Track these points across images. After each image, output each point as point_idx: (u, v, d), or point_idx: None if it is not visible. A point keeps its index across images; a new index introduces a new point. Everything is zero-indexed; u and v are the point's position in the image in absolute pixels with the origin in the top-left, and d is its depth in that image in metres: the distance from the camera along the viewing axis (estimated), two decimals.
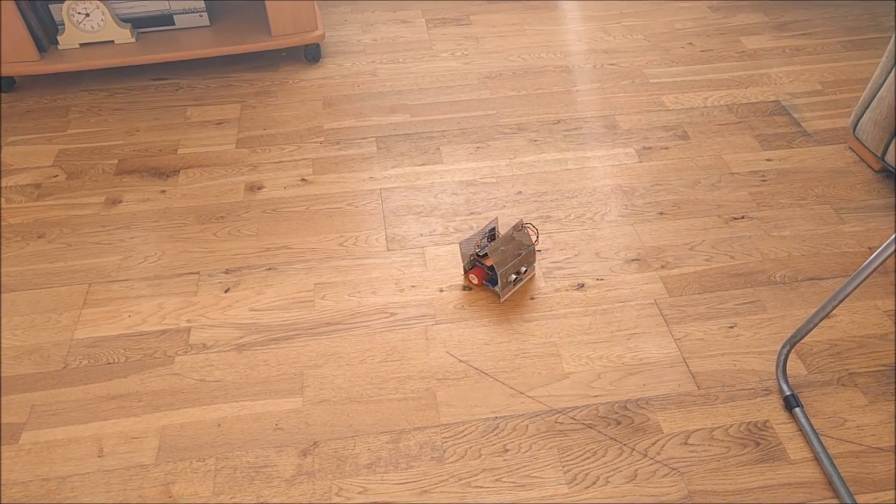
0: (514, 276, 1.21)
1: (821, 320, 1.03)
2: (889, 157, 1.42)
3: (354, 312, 1.22)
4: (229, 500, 0.96)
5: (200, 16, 1.83)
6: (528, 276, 1.26)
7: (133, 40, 1.79)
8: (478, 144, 1.60)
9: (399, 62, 1.89)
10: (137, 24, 1.81)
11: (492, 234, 1.24)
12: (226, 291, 1.25)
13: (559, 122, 1.66)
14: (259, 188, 1.48)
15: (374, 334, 1.18)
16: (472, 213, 1.41)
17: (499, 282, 1.19)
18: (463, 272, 1.27)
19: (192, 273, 1.29)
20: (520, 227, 1.20)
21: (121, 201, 1.45)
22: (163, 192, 1.47)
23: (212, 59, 1.90)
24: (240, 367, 1.13)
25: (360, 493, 0.97)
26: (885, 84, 1.41)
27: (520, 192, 1.46)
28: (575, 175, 1.50)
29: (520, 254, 1.20)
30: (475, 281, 1.24)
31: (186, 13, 1.82)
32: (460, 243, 1.21)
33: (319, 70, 1.86)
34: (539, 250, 1.31)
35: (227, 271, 1.29)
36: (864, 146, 1.49)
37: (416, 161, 1.55)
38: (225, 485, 0.97)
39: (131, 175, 1.52)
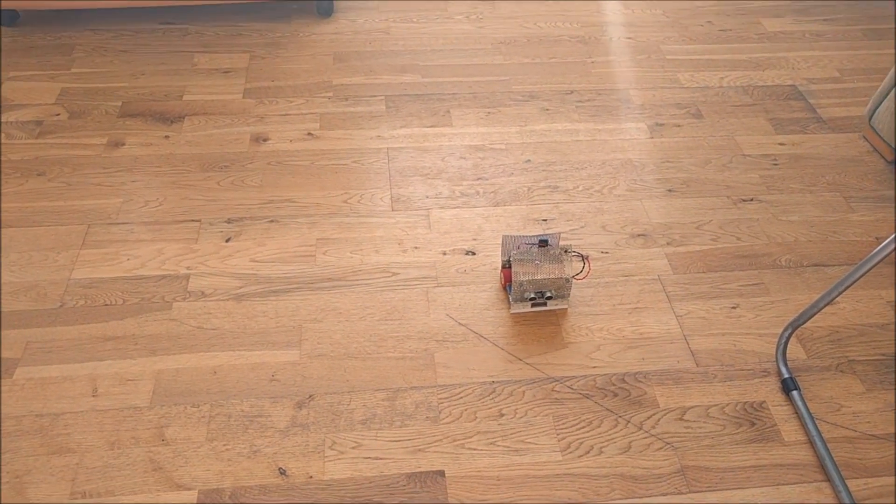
0: (532, 296, 1.13)
1: (825, 306, 1.03)
2: None
3: (356, 270, 1.20)
4: (222, 446, 0.95)
5: None
6: (557, 306, 1.15)
7: None
8: (489, 110, 1.57)
9: (412, 21, 1.85)
10: None
11: (543, 243, 1.13)
12: (227, 241, 1.24)
13: (572, 92, 1.64)
14: (265, 140, 1.46)
15: (374, 292, 1.17)
16: (479, 179, 1.39)
17: (512, 292, 1.14)
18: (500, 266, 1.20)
19: (193, 220, 1.27)
20: (567, 251, 1.10)
21: (123, 144, 1.42)
22: (166, 137, 1.45)
23: (222, 7, 1.86)
24: (238, 317, 1.12)
25: (353, 447, 0.96)
26: None
27: (529, 161, 1.44)
28: (585, 147, 1.48)
29: (549, 278, 1.10)
30: (502, 281, 1.17)
31: None
32: (504, 236, 1.12)
33: (331, 25, 1.82)
34: (578, 279, 1.19)
35: (228, 221, 1.28)
36: (879, 136, 1.47)
37: (426, 122, 1.53)
38: (218, 431, 0.97)
39: (135, 118, 1.49)
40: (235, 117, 1.51)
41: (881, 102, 1.46)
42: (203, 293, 1.15)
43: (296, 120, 1.51)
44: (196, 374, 1.03)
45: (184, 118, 1.50)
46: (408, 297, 1.16)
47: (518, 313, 1.15)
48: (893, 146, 1.43)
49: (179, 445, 0.95)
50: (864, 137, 1.55)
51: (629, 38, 1.84)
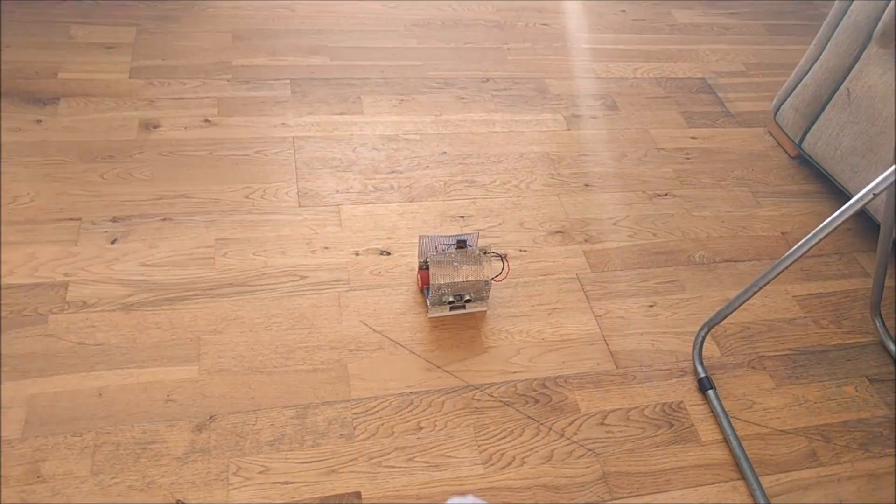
0: (451, 299, 1.07)
1: (739, 305, 1.03)
2: (806, 145, 1.45)
3: (260, 273, 1.11)
4: (110, 480, 0.85)
5: None
6: (476, 309, 1.10)
7: None
8: (402, 97, 1.50)
9: None
10: None
11: (462, 244, 1.08)
12: (112, 242, 1.11)
13: (488, 80, 1.59)
14: (155, 126, 1.32)
15: (281, 298, 1.08)
16: (392, 172, 1.32)
17: (430, 295, 1.08)
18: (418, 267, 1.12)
19: (72, 219, 1.13)
20: (486, 252, 1.06)
21: None
22: (38, 121, 1.28)
23: None
24: (126, 330, 1.00)
25: (260, 472, 0.88)
26: (810, 72, 1.42)
27: (444, 153, 1.38)
28: (502, 138, 1.44)
29: (468, 280, 1.06)
30: (419, 283, 1.11)
31: None
32: (421, 237, 1.06)
33: None
34: (497, 281, 1.14)
35: (114, 219, 1.15)
36: (783, 131, 1.51)
37: (335, 109, 1.43)
38: (105, 463, 0.86)
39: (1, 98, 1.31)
40: (121, 100, 1.36)
41: (786, 98, 1.50)
42: (85, 303, 1.02)
43: (191, 104, 1.38)
44: (77, 397, 0.92)
45: (59, 100, 1.34)
46: (318, 302, 1.09)
47: (436, 317, 1.09)
48: (796, 142, 1.47)
49: (58, 482, 0.84)
50: (769, 132, 1.59)
51: (545, 24, 1.80)
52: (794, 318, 1.19)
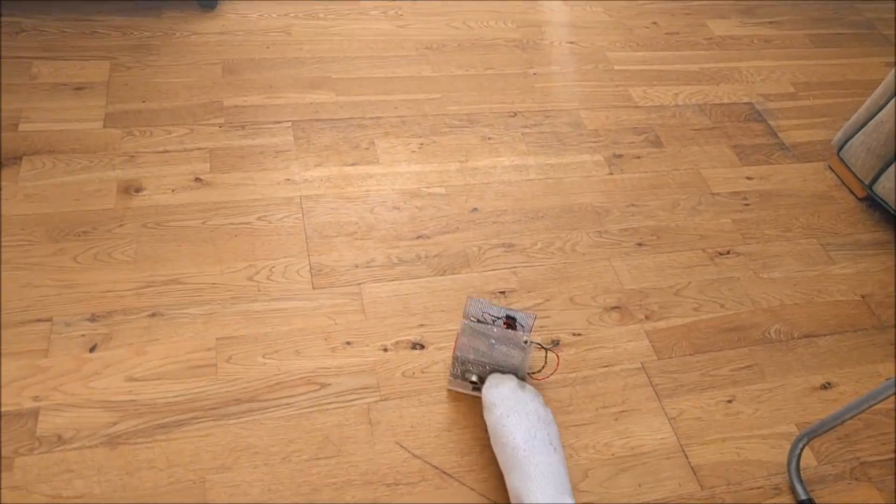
0: (475, 379, 0.92)
1: (840, 423, 0.87)
2: (878, 188, 1.28)
3: (273, 383, 0.92)
4: None
5: None
6: None
7: None
8: (421, 139, 1.30)
9: (319, 18, 1.53)
10: None
11: (510, 322, 0.93)
12: (91, 350, 0.92)
13: (516, 114, 1.39)
14: (137, 190, 1.12)
15: (300, 416, 0.90)
16: (419, 237, 1.14)
17: (452, 366, 0.93)
18: None
19: (41, 320, 0.94)
20: (526, 341, 0.90)
21: None
22: None
23: None
24: (113, 473, 0.81)
25: None
26: (886, 108, 1.25)
27: (475, 209, 1.20)
28: (539, 188, 1.26)
29: (499, 365, 0.91)
30: (454, 349, 0.94)
31: None
32: (470, 298, 0.92)
33: (216, 21, 1.47)
34: (536, 379, 0.94)
35: (92, 318, 0.95)
36: (850, 170, 1.34)
37: (346, 158, 1.24)
38: None
39: None
40: (95, 156, 1.16)
41: (854, 134, 1.33)
42: (60, 438, 0.83)
43: (177, 159, 1.18)
44: None
45: (21, 160, 1.13)
46: (344, 419, 0.90)
47: (457, 391, 0.93)
48: (866, 183, 1.31)
49: None
50: (830, 167, 1.42)
51: (571, 42, 1.61)
52: (890, 409, 1.03)
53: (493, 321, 0.93)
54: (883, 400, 0.82)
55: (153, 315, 0.97)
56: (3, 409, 0.85)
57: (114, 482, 0.81)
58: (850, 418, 0.87)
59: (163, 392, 0.89)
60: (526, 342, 0.90)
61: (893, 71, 1.24)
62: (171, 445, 0.85)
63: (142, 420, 0.86)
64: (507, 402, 0.85)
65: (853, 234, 1.29)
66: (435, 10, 1.61)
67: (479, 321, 0.92)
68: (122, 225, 1.07)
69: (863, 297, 1.18)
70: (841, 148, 1.36)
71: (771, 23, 1.80)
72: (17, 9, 1.39)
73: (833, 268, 1.22)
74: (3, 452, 0.81)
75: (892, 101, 1.24)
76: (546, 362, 0.99)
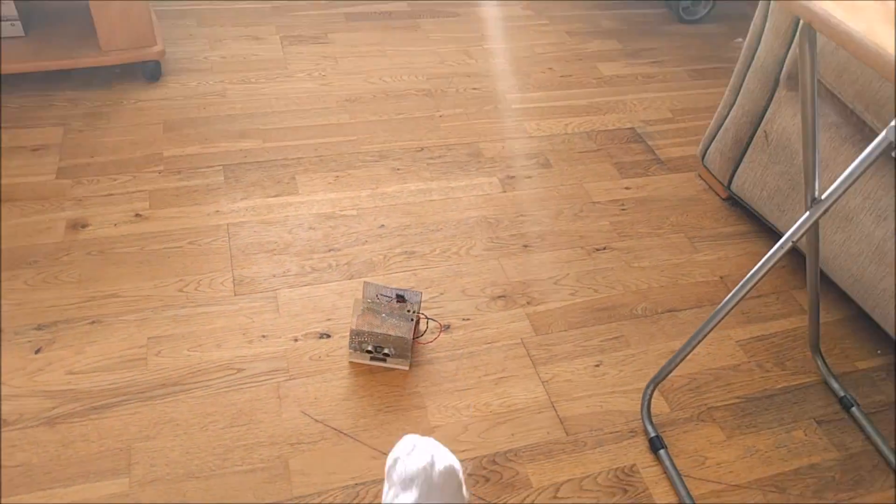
0: (371, 348, 1.08)
1: (681, 361, 1.03)
2: (734, 187, 1.48)
3: (195, 370, 1.08)
4: None
5: (13, 24, 1.60)
6: (396, 365, 1.10)
7: None
8: (337, 173, 1.50)
9: (251, 82, 1.75)
10: None
11: (401, 298, 1.11)
12: (36, 352, 1.07)
13: (422, 149, 1.60)
14: (83, 226, 1.29)
15: (217, 395, 1.05)
16: (331, 250, 1.31)
17: (350, 340, 1.09)
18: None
19: None
20: (411, 311, 1.08)
21: None
22: None
23: (28, 76, 1.66)
24: (51, 446, 0.95)
25: None
26: (729, 116, 1.47)
27: (382, 226, 1.38)
28: (439, 206, 1.44)
29: (389, 335, 1.07)
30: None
31: None
32: (365, 283, 1.09)
33: (160, 89, 1.68)
34: (419, 342, 1.11)
35: (39, 327, 1.11)
36: (712, 174, 1.55)
37: (269, 192, 1.43)
38: None
39: None
40: (47, 202, 1.34)
41: (710, 143, 1.54)
42: (5, 421, 0.97)
43: (120, 200, 1.36)
44: None
45: None
46: (256, 395, 1.05)
47: (358, 363, 1.10)
48: (725, 184, 1.51)
49: None
50: (700, 176, 1.62)
51: (475, 88, 1.84)
52: (739, 364, 1.19)
53: (388, 300, 1.10)
54: (704, 336, 0.99)
55: (93, 322, 1.12)
56: None
57: (50, 453, 0.95)
58: (685, 357, 1.03)
59: (98, 382, 1.04)
60: (409, 311, 1.07)
61: (730, 84, 1.46)
62: (103, 423, 0.99)
63: (78, 404, 1.01)
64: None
65: (716, 227, 1.48)
66: (354, 70, 1.85)
67: (373, 301, 1.09)
68: (68, 254, 1.24)
69: (721, 277, 1.36)
70: (703, 157, 1.57)
71: (654, 62, 2.05)
72: None
73: (697, 255, 1.40)
74: None
75: (731, 110, 1.46)
76: (425, 330, 1.15)
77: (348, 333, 1.14)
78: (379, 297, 1.10)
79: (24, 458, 0.94)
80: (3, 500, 0.89)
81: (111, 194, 1.37)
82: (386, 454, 0.99)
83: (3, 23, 1.58)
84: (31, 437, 0.96)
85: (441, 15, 2.15)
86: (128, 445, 0.97)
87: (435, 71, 1.88)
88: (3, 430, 0.96)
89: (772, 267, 0.92)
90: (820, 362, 1.18)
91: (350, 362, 1.11)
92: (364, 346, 1.08)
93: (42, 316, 1.12)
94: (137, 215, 1.33)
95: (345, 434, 1.02)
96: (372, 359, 1.09)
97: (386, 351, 1.08)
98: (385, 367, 1.11)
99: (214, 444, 0.98)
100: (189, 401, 1.03)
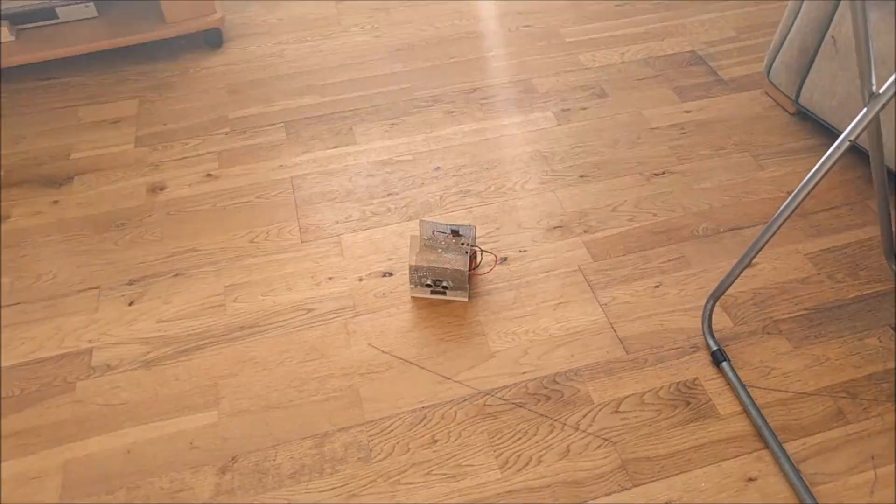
0: (429, 282, 1.12)
1: (741, 272, 1.02)
2: (802, 99, 1.41)
3: (269, 313, 1.15)
4: None
5: (86, 6, 1.70)
6: (455, 297, 1.14)
7: (13, 38, 1.65)
8: (392, 121, 1.53)
9: (307, 41, 1.80)
10: (16, 20, 1.67)
11: (455, 233, 1.14)
12: (130, 304, 1.17)
13: (475, 90, 1.61)
14: (161, 189, 1.39)
15: (291, 334, 1.12)
16: (389, 195, 1.35)
17: (410, 276, 1.14)
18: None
19: (91, 288, 1.20)
20: (467, 244, 1.12)
21: (8, 217, 1.34)
22: (55, 202, 1.37)
23: (103, 53, 1.77)
24: (148, 386, 1.05)
25: None
26: (794, 27, 1.39)
27: (438, 168, 1.41)
28: (493, 144, 1.46)
29: (446, 268, 1.10)
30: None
31: (70, 4, 1.69)
32: (421, 221, 1.12)
33: (222, 56, 1.76)
34: (476, 274, 1.16)
35: (130, 282, 1.21)
36: (779, 90, 1.48)
37: (328, 144, 1.48)
38: None
39: (19, 187, 1.41)
40: (128, 169, 1.44)
41: (776, 56, 1.47)
42: (108, 366, 1.08)
43: (193, 162, 1.45)
44: (108, 456, 0.97)
45: (73, 178, 1.42)
46: (326, 332, 1.12)
47: (420, 297, 1.15)
48: (793, 98, 1.44)
49: None
50: (766, 93, 1.55)
51: (527, 25, 1.81)
52: (808, 277, 1.16)
53: (444, 235, 1.14)
54: (764, 245, 0.96)
55: (176, 275, 1.22)
56: (66, 350, 1.11)
57: (149, 391, 1.05)
58: (744, 269, 1.01)
59: (185, 327, 1.13)
60: (464, 245, 1.10)
61: None
62: (191, 363, 1.08)
63: (169, 348, 1.11)
64: None
65: (784, 143, 1.42)
66: (405, 19, 1.86)
67: (430, 238, 1.13)
68: (150, 215, 1.34)
69: (788, 192, 1.31)
70: (769, 72, 1.50)
71: None
72: (67, 70, 1.72)
73: (762, 173, 1.36)
74: (68, 379, 1.07)
75: (796, 19, 1.38)
76: (479, 262, 1.18)
77: (409, 270, 1.19)
78: (435, 233, 1.14)
79: (126, 396, 1.04)
80: (113, 434, 1.00)
81: (184, 157, 1.46)
82: (450, 379, 1.04)
83: (78, 6, 1.68)
84: (132, 378, 1.06)
85: None
86: (215, 382, 1.06)
87: (485, 13, 1.87)
88: (108, 373, 1.07)
89: (830, 168, 0.89)
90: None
91: (412, 297, 1.15)
92: (423, 280, 1.12)
93: (132, 272, 1.23)
94: (209, 175, 1.42)
95: (410, 362, 1.07)
96: (432, 292, 1.14)
97: (445, 284, 1.12)
98: (445, 300, 1.15)
99: (291, 377, 1.06)
100: (266, 340, 1.11)
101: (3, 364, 1.09)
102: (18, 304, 1.18)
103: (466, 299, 1.14)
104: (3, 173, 1.44)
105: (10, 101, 1.63)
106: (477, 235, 1.26)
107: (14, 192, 1.39)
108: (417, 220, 1.29)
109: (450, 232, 1.14)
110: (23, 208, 1.36)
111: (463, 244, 1.12)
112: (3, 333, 1.13)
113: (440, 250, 1.11)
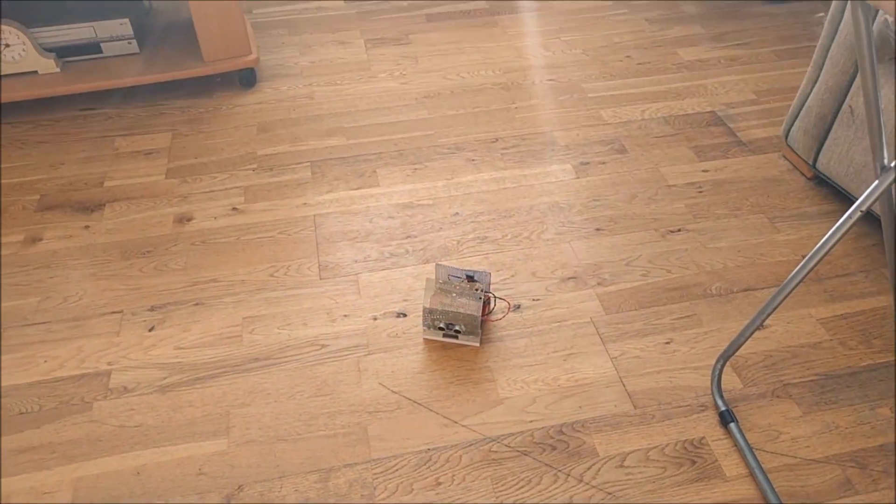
0: (443, 325, 1.14)
1: (752, 333, 1.02)
2: (820, 165, 1.43)
3: (284, 346, 1.18)
4: None
5: (129, 43, 1.79)
6: (467, 342, 1.16)
7: (58, 70, 1.73)
8: (415, 166, 1.58)
9: (337, 84, 1.86)
10: (63, 52, 1.76)
11: (471, 279, 1.16)
12: (150, 330, 1.21)
13: (497, 140, 1.65)
14: (188, 220, 1.44)
15: (304, 368, 1.14)
16: (408, 237, 1.39)
17: (423, 317, 1.16)
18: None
19: (114, 312, 1.24)
20: (480, 289, 1.14)
21: (41, 239, 1.39)
22: (86, 227, 1.42)
23: (142, 87, 1.85)
24: (162, 410, 1.08)
25: None
26: (812, 93, 1.42)
27: (457, 214, 1.44)
28: (512, 194, 1.49)
29: (459, 312, 1.12)
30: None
31: (114, 40, 1.78)
32: (437, 265, 1.15)
33: (255, 95, 1.83)
34: (488, 320, 1.16)
35: (151, 308, 1.24)
36: (797, 154, 1.50)
37: (352, 185, 1.52)
38: None
39: (54, 211, 1.46)
40: (158, 199, 1.49)
41: (794, 121, 1.50)
42: (125, 388, 1.11)
43: (220, 196, 1.50)
44: (118, 477, 0.99)
45: (104, 206, 1.47)
46: (338, 369, 1.14)
47: (432, 339, 1.16)
48: (810, 163, 1.46)
49: None
50: (784, 156, 1.58)
51: (551, 79, 1.87)
52: (820, 342, 1.16)
53: (459, 280, 1.16)
54: (776, 308, 0.98)
55: (197, 304, 1.25)
56: (86, 371, 1.13)
57: (162, 416, 1.07)
58: (755, 330, 1.02)
59: (201, 355, 1.16)
60: (478, 290, 1.12)
61: (813, 59, 1.42)
62: (205, 391, 1.11)
63: (185, 375, 1.13)
64: None
65: (800, 207, 1.44)
66: (433, 67, 1.92)
67: (445, 282, 1.16)
68: (175, 244, 1.38)
69: (802, 256, 1.32)
70: (787, 136, 1.53)
71: (739, 45, 2.00)
72: (106, 102, 1.80)
73: (778, 236, 1.37)
74: (85, 398, 1.09)
75: (815, 86, 1.41)
76: (492, 308, 1.20)
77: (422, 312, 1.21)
78: (450, 277, 1.16)
79: (141, 419, 1.06)
80: (125, 455, 1.01)
81: (212, 191, 1.51)
82: (457, 423, 1.05)
83: (122, 42, 1.77)
84: (147, 402, 1.09)
85: (520, 10, 2.19)
86: (226, 411, 1.08)
87: (512, 65, 1.93)
88: (125, 396, 1.10)
89: (843, 235, 0.91)
90: None
91: (424, 339, 1.17)
92: (437, 323, 1.14)
93: (154, 299, 1.26)
94: (234, 209, 1.46)
95: (419, 404, 1.08)
96: (444, 335, 1.15)
97: (457, 328, 1.14)
98: (457, 344, 1.16)
99: (301, 411, 1.08)
100: (279, 373, 1.13)
101: (26, 380, 1.12)
102: (45, 323, 1.21)
103: (478, 344, 1.16)
104: (39, 197, 1.50)
105: (52, 129, 1.70)
106: (492, 282, 1.29)
107: (49, 215, 1.45)
108: (434, 264, 1.31)
109: (465, 277, 1.16)
110: (56, 231, 1.41)
111: (477, 289, 1.15)
112: (28, 350, 1.17)
113: (454, 294, 1.13)
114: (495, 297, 1.21)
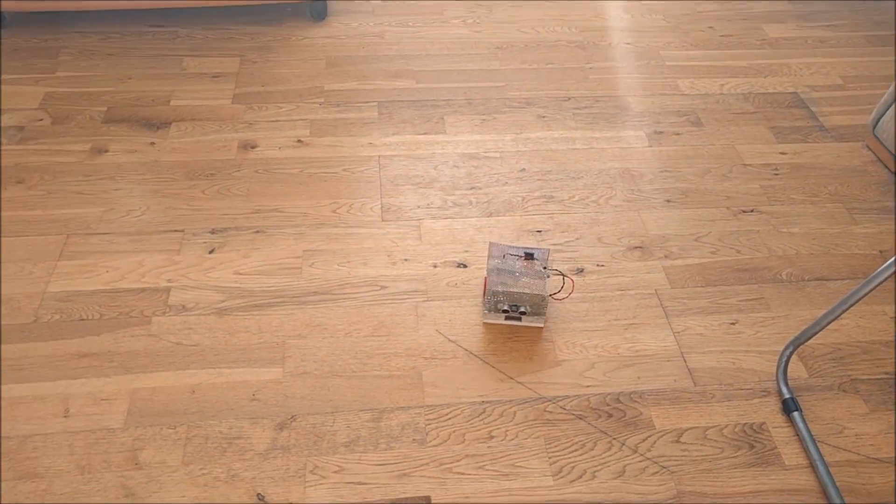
0: (506, 308, 1.09)
1: (828, 323, 0.99)
2: None
3: (343, 283, 1.17)
4: (199, 470, 0.91)
5: None
6: (532, 323, 1.10)
7: None
8: (483, 116, 1.54)
9: (408, 25, 1.82)
10: None
11: (529, 256, 1.10)
12: (210, 252, 1.20)
13: (569, 98, 1.60)
14: (253, 147, 1.42)
15: (361, 307, 1.13)
16: (472, 188, 1.36)
17: (485, 301, 1.10)
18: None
19: (176, 231, 1.23)
20: (546, 267, 1.07)
21: (107, 151, 1.39)
22: (152, 143, 1.41)
23: (213, 9, 1.82)
24: (219, 333, 1.08)
25: (335, 471, 0.93)
26: None
27: (523, 170, 1.41)
28: (582, 155, 1.45)
29: (525, 293, 1.07)
30: (484, 289, 1.13)
31: None
32: (491, 244, 1.09)
33: (324, 28, 1.79)
34: (556, 299, 1.14)
35: (212, 231, 1.24)
36: (883, 145, 1.43)
37: (419, 129, 1.49)
38: (195, 454, 0.93)
39: (119, 124, 1.45)
40: (224, 123, 1.47)
41: (885, 111, 1.42)
42: (184, 307, 1.11)
43: (285, 126, 1.48)
44: (173, 393, 1.00)
45: (170, 124, 1.46)
46: (396, 311, 1.13)
47: (493, 324, 1.11)
48: None
49: (153, 470, 0.91)
50: (868, 147, 1.51)
51: (628, 43, 1.80)
52: (891, 341, 1.12)
53: (515, 258, 1.11)
54: (857, 301, 0.94)
55: (257, 232, 1.24)
56: (146, 286, 1.14)
57: (219, 338, 1.07)
58: (831, 322, 0.98)
59: (260, 283, 1.16)
60: (545, 268, 1.09)
61: None
62: (262, 318, 1.10)
63: (243, 300, 1.13)
64: None
65: (881, 201, 1.38)
66: (507, 18, 1.86)
67: (502, 260, 1.11)
68: (239, 170, 1.36)
69: (881, 251, 1.27)
70: (875, 126, 1.46)
71: (828, 26, 1.90)
72: (176, 21, 1.78)
73: (855, 227, 1.32)
74: (145, 312, 1.10)
75: None
76: (562, 287, 1.17)
77: (482, 283, 1.19)
78: (507, 256, 1.11)
79: (198, 339, 1.07)
80: (181, 372, 1.02)
81: (277, 120, 1.49)
82: (512, 379, 1.04)
83: None
84: (204, 322, 1.09)
85: None
86: (283, 341, 1.07)
87: (589, 24, 1.86)
88: (183, 314, 1.10)
89: None
90: None
91: (483, 323, 1.12)
92: (500, 305, 1.09)
93: (215, 221, 1.26)
94: (299, 141, 1.44)
95: (475, 355, 1.07)
96: (507, 318, 1.10)
97: (522, 309, 1.09)
98: (521, 325, 1.12)
99: (357, 349, 1.07)
100: (337, 309, 1.12)
101: (88, 287, 1.13)
102: (108, 234, 1.22)
103: (542, 325, 1.12)
104: (106, 109, 1.49)
105: (121, 43, 1.69)
106: (556, 242, 1.26)
107: (115, 128, 1.44)
108: (498, 219, 1.29)
109: (523, 254, 1.11)
110: (121, 145, 1.40)
111: (544, 268, 1.09)
112: (91, 259, 1.17)
113: (517, 274, 1.09)
114: (563, 274, 1.16)
